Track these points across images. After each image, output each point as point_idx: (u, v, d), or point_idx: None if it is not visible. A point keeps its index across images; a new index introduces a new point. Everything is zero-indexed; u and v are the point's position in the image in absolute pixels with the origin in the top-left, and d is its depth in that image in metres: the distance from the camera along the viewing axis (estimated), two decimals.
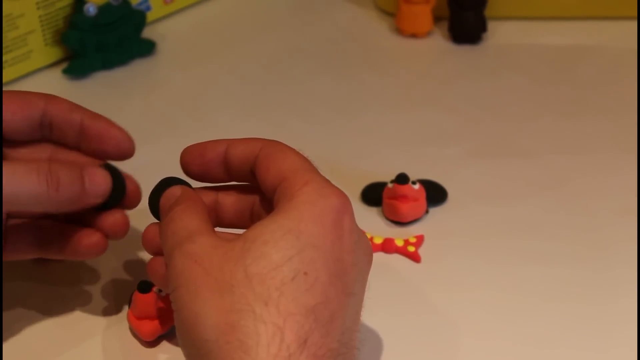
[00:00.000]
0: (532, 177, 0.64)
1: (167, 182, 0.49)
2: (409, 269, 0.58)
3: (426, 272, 0.58)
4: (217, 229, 0.49)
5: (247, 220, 0.50)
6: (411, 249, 0.58)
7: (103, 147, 0.52)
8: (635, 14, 0.79)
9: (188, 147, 0.50)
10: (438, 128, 0.69)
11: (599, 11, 0.80)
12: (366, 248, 0.47)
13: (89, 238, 0.51)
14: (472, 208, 0.62)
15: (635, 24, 0.79)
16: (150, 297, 0.52)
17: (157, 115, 0.71)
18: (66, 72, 0.75)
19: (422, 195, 0.61)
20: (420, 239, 0.59)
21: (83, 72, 0.75)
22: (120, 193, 0.52)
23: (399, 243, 0.58)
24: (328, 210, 0.44)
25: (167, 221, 0.47)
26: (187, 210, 0.47)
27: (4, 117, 0.50)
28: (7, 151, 0.52)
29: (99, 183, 0.50)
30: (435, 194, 0.62)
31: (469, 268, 0.57)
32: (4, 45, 0.72)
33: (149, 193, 0.50)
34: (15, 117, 0.51)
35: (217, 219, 0.51)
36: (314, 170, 0.47)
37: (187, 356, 0.44)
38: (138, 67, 0.76)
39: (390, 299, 0.55)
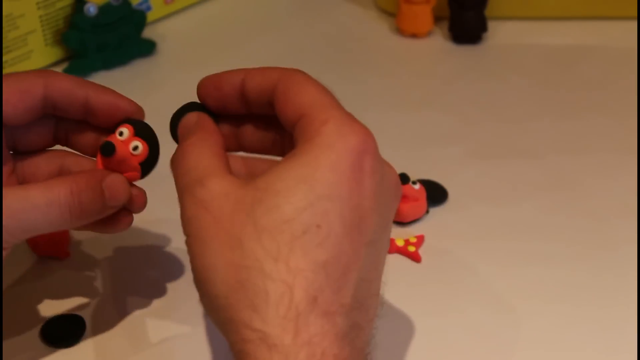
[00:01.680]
0: (533, 178, 0.64)
1: (189, 107, 0.48)
2: (410, 269, 0.58)
3: (426, 272, 0.57)
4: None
5: (270, 148, 0.50)
6: (412, 249, 0.58)
7: (112, 120, 0.51)
8: (635, 14, 0.79)
9: (204, 79, 0.49)
10: (438, 128, 0.69)
11: (599, 11, 0.80)
12: (391, 183, 0.45)
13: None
14: (472, 208, 0.62)
15: (635, 24, 0.79)
16: (113, 160, 0.49)
17: (157, 115, 0.71)
18: (66, 72, 0.74)
19: (423, 195, 0.61)
20: (420, 239, 0.59)
21: (83, 72, 0.75)
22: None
23: (400, 243, 0.58)
24: (347, 152, 0.42)
25: (178, 156, 0.46)
26: (198, 144, 0.46)
27: (5, 111, 0.49)
28: (17, 165, 0.51)
29: (118, 195, 0.49)
30: (436, 194, 0.62)
31: (469, 268, 0.57)
32: (4, 45, 0.72)
33: (171, 116, 0.49)
34: (17, 110, 0.49)
35: (239, 145, 0.50)
36: (334, 104, 0.45)
37: (203, 306, 0.44)
38: (138, 67, 0.77)
39: (390, 299, 0.55)
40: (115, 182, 0.49)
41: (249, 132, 0.50)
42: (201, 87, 0.49)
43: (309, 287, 0.41)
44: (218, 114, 0.49)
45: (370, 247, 0.43)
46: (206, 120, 0.48)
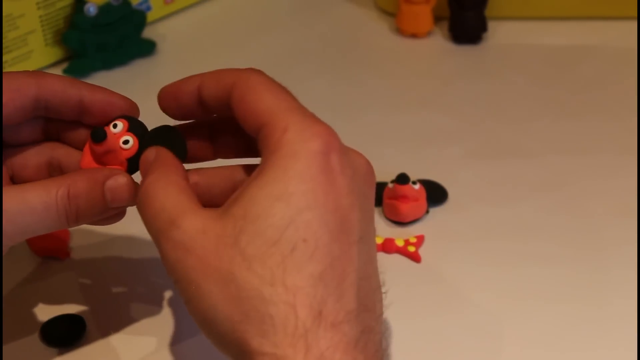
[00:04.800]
0: (532, 178, 0.64)
1: (157, 133, 0.48)
2: (410, 269, 0.58)
3: (426, 272, 0.58)
4: None
5: (246, 151, 0.49)
6: (411, 249, 0.58)
7: (107, 119, 0.50)
8: (635, 14, 0.79)
9: (162, 90, 0.48)
10: (438, 128, 0.69)
11: (599, 11, 0.80)
12: (363, 173, 0.45)
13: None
14: (472, 208, 0.62)
15: (635, 24, 0.79)
16: (101, 149, 0.49)
17: (157, 116, 0.71)
18: (66, 72, 0.75)
19: (423, 196, 0.61)
20: (420, 239, 0.59)
21: (83, 72, 0.75)
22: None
23: (400, 243, 0.58)
24: (312, 157, 0.42)
25: (142, 197, 0.45)
26: (162, 181, 0.45)
27: None
28: (7, 157, 0.51)
29: (122, 198, 0.48)
30: (436, 194, 0.62)
31: (469, 268, 0.57)
32: (4, 45, 0.72)
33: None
34: (7, 109, 0.48)
35: (215, 153, 0.50)
36: (292, 107, 0.44)
37: (211, 341, 0.43)
38: (138, 67, 0.77)
39: (390, 299, 0.55)
40: (119, 185, 0.48)
41: (223, 138, 0.49)
42: (160, 99, 0.48)
43: (311, 302, 0.40)
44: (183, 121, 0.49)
45: (360, 244, 0.43)
46: (165, 154, 0.47)
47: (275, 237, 0.41)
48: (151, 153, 0.47)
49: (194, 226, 0.42)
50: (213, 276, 0.41)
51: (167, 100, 0.48)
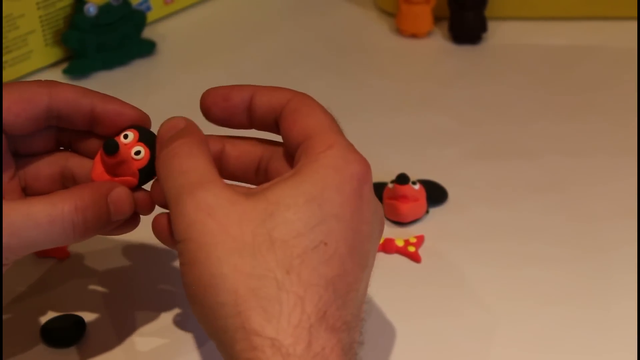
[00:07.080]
0: (532, 178, 0.64)
1: None
2: (410, 269, 0.58)
3: (426, 272, 0.57)
4: None
5: (252, 175, 0.50)
6: (411, 249, 0.58)
7: (118, 129, 0.50)
8: (635, 14, 0.79)
9: (211, 90, 0.49)
10: (438, 128, 0.69)
11: (599, 11, 0.80)
12: (380, 218, 0.47)
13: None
14: (472, 208, 0.62)
15: (635, 24, 0.79)
16: (113, 160, 0.48)
17: (157, 116, 0.71)
18: (66, 72, 0.75)
19: (423, 196, 0.61)
20: (420, 239, 0.59)
21: (83, 73, 0.75)
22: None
23: (400, 243, 0.58)
24: (350, 178, 0.44)
25: (170, 154, 0.45)
26: (194, 145, 0.45)
27: (6, 120, 0.48)
28: (20, 168, 0.51)
29: (124, 209, 0.48)
30: (436, 194, 0.62)
31: (469, 268, 0.57)
32: (4, 45, 0.72)
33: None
34: (19, 119, 0.48)
35: (220, 169, 0.49)
36: (339, 131, 0.46)
37: (197, 314, 0.43)
38: (138, 67, 0.77)
39: (390, 299, 0.55)
40: (121, 196, 0.48)
41: (234, 155, 0.50)
42: (207, 97, 0.49)
43: (318, 301, 0.41)
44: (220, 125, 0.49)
45: (366, 271, 0.44)
46: (195, 127, 0.47)
47: (302, 231, 0.42)
48: (180, 121, 0.47)
49: (223, 194, 0.43)
50: (230, 245, 0.41)
51: (215, 99, 0.49)
